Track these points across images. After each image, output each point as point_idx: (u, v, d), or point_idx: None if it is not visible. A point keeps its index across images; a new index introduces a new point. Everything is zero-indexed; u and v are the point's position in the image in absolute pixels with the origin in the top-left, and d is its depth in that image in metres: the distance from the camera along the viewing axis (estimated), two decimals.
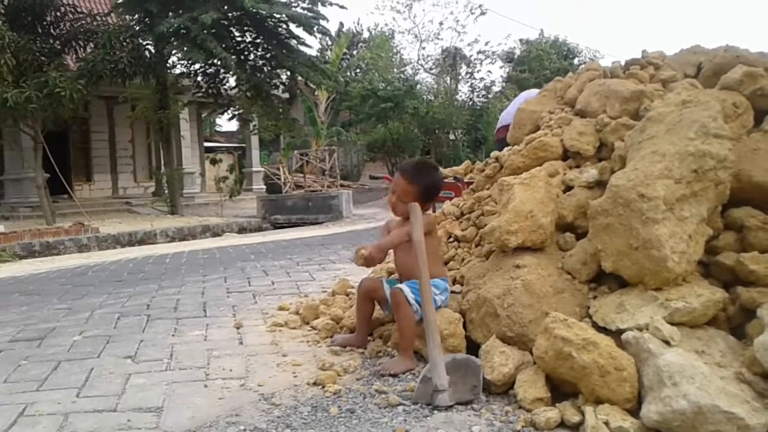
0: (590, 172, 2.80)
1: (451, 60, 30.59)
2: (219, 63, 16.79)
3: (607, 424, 1.91)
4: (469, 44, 30.47)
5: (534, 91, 7.07)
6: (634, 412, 1.96)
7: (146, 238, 13.63)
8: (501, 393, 2.31)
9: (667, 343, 2.01)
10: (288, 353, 2.94)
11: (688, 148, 2.26)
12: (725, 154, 2.25)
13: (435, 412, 2.18)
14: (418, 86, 28.19)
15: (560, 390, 2.18)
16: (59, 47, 15.50)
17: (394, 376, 2.52)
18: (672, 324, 2.08)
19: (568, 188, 2.86)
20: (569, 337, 2.07)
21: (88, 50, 15.71)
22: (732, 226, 2.44)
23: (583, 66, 3.73)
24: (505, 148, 3.62)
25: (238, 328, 3.47)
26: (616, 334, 2.15)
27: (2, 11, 13.12)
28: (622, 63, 3.43)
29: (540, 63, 29.50)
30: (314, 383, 2.51)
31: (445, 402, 2.20)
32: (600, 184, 2.72)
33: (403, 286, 2.71)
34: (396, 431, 2.04)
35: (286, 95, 19.38)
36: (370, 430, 2.07)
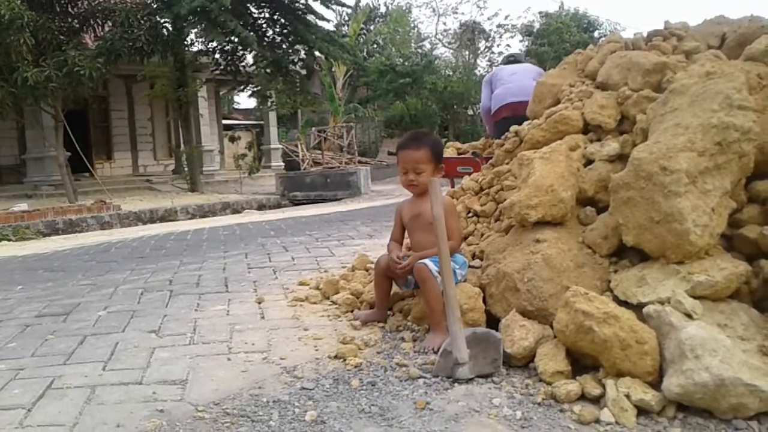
0: (611, 146, 2.78)
1: (470, 34, 30.32)
2: (237, 40, 16.75)
3: (628, 396, 1.92)
4: (489, 18, 30.16)
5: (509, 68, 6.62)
6: (656, 385, 1.96)
7: (167, 215, 13.75)
8: (521, 366, 2.32)
9: (689, 316, 2.00)
10: (309, 327, 2.97)
11: (712, 120, 2.22)
12: (749, 126, 2.21)
13: (455, 384, 2.20)
14: (437, 61, 28.00)
15: (580, 363, 2.19)
16: (77, 26, 15.51)
17: (436, 352, 2.46)
18: (694, 297, 2.07)
19: (589, 162, 2.83)
20: (590, 310, 2.07)
21: (106, 29, 15.71)
22: (756, 199, 2.41)
23: (603, 39, 3.68)
24: (523, 124, 3.58)
25: (259, 303, 3.51)
26: (637, 308, 2.15)
27: None
28: (645, 35, 3.38)
29: (560, 36, 29.14)
30: (335, 356, 2.53)
31: (465, 375, 2.22)
32: (621, 158, 2.69)
33: (427, 261, 2.70)
34: (417, 403, 2.06)
35: (304, 71, 19.32)
36: (391, 402, 2.09)
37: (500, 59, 29.43)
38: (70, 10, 15.55)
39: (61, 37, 14.63)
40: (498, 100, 6.26)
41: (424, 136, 3.02)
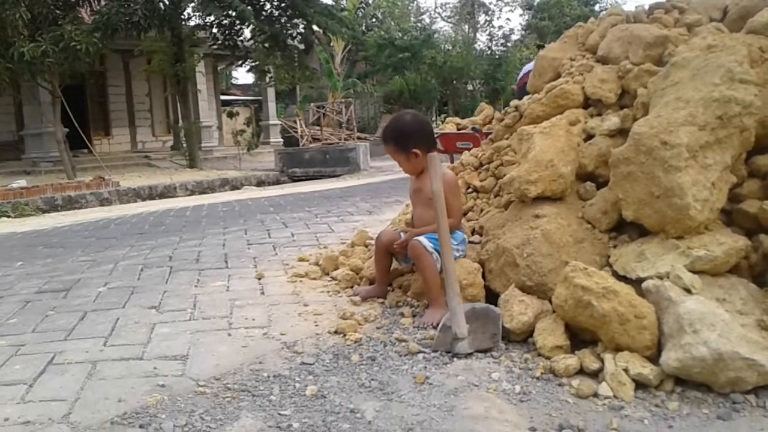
0: (612, 120, 2.76)
1: (470, 8, 30.06)
2: (234, 14, 16.59)
3: (626, 371, 1.93)
4: None
5: None
6: (654, 359, 1.97)
7: (166, 192, 13.73)
8: (520, 341, 2.34)
9: (688, 291, 2.01)
10: (309, 303, 2.98)
11: (713, 93, 2.21)
12: (751, 100, 2.20)
13: (454, 359, 2.21)
14: (436, 35, 27.77)
15: (579, 338, 2.20)
16: (73, 0, 15.36)
17: (435, 327, 2.45)
18: (693, 272, 2.08)
19: (589, 137, 2.82)
20: (589, 285, 2.08)
21: (102, 3, 15.56)
22: (756, 174, 2.40)
23: (604, 12, 3.64)
24: (526, 96, 3.57)
25: (259, 279, 3.51)
26: (636, 283, 2.15)
27: None
28: (646, 7, 3.34)
29: (560, 10, 28.88)
30: (335, 332, 2.54)
31: (464, 350, 2.23)
32: (622, 132, 2.68)
33: (421, 238, 2.72)
34: (416, 378, 2.07)
35: (302, 46, 19.17)
36: (390, 377, 2.11)
37: (499, 33, 29.28)
38: None
39: (57, 12, 14.47)
40: (524, 70, 6.85)
41: (387, 129, 2.99)
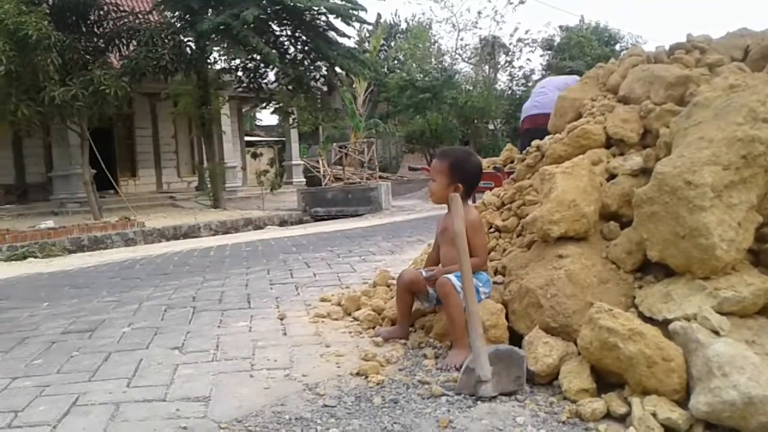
0: (635, 160, 2.75)
1: (490, 49, 30.34)
2: (259, 58, 16.93)
3: (654, 415, 1.89)
4: (511, 34, 30.18)
5: (556, 80, 6.96)
6: (683, 403, 1.93)
7: (190, 232, 13.84)
8: (545, 384, 2.30)
9: (716, 333, 1.97)
10: (331, 344, 2.97)
11: (737, 133, 2.20)
12: None
13: (478, 402, 2.18)
14: (456, 76, 28.02)
15: (605, 381, 2.16)
16: (103, 46, 15.78)
17: (458, 369, 2.43)
18: (721, 313, 2.04)
19: (612, 176, 2.82)
20: (615, 327, 2.05)
21: (131, 48, 15.97)
22: None
23: (625, 52, 3.66)
24: (547, 137, 3.57)
25: (281, 320, 3.51)
26: (663, 325, 2.12)
27: (48, 11, 13.37)
28: (667, 48, 3.36)
29: (581, 50, 29.00)
30: (357, 373, 2.53)
31: (488, 393, 2.20)
32: (645, 172, 2.67)
33: (451, 276, 2.70)
34: (440, 421, 2.04)
35: (326, 88, 19.45)
36: (413, 420, 2.08)
37: (520, 74, 29.38)
38: (96, 30, 15.81)
39: (87, 57, 14.87)
40: (523, 112, 6.58)
41: (454, 151, 3.03)
